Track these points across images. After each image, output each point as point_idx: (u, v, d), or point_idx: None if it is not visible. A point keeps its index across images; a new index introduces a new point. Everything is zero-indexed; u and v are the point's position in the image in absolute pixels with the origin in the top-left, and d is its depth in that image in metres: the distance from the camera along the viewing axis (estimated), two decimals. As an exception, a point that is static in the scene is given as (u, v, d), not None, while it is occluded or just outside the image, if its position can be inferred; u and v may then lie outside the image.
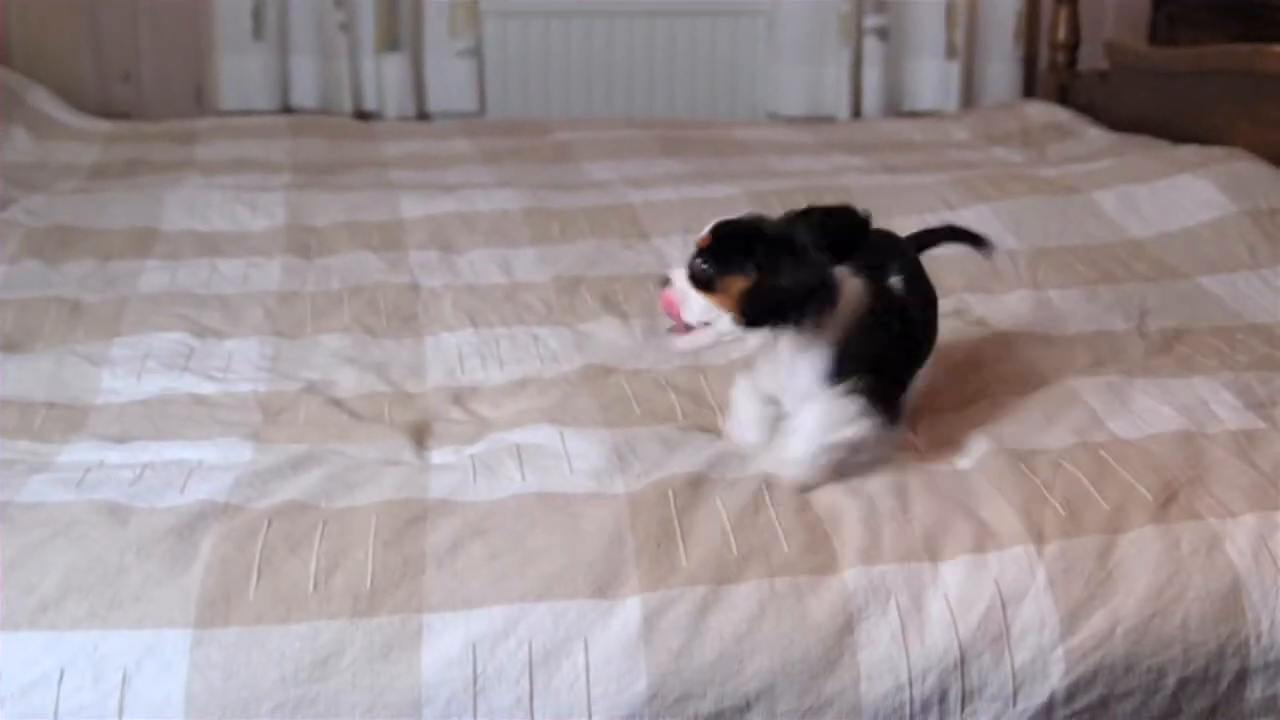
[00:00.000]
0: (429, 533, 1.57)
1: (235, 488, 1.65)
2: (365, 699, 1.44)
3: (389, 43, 4.07)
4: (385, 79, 4.08)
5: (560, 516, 1.60)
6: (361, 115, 4.07)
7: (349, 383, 2.03)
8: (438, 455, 1.81)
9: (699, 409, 1.92)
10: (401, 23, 4.07)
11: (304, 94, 4.10)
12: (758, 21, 4.29)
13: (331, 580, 1.50)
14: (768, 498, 1.64)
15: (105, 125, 3.68)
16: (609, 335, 2.19)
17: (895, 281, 1.80)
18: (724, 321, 1.66)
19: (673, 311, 1.69)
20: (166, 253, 2.56)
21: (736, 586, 1.53)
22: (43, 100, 3.65)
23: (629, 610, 1.50)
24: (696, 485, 1.66)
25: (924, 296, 1.85)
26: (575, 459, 1.73)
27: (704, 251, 1.66)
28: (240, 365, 2.08)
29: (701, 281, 1.66)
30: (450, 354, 2.13)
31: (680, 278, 1.68)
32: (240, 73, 4.07)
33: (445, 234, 2.65)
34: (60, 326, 2.21)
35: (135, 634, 1.45)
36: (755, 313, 1.66)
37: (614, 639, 1.48)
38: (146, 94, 4.16)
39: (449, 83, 4.16)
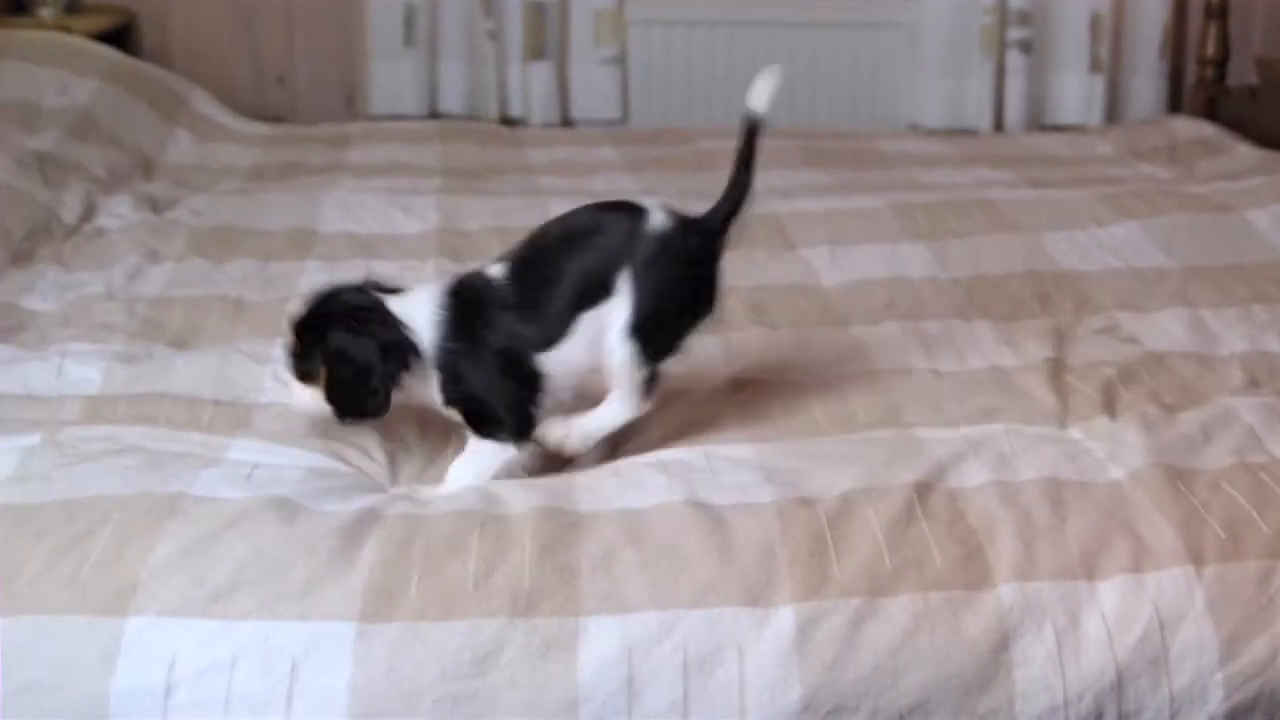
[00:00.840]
0: (583, 540, 1.59)
1: (394, 497, 1.69)
2: (523, 697, 1.47)
3: (536, 51, 4.12)
4: (531, 86, 4.13)
5: (711, 526, 1.61)
6: (506, 121, 4.12)
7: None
8: (582, 468, 1.83)
9: (843, 421, 1.93)
10: (549, 31, 4.12)
11: (451, 100, 4.17)
12: (900, 33, 4.27)
13: (490, 580, 1.53)
14: (919, 509, 1.65)
15: (263, 128, 3.76)
16: (758, 346, 2.20)
17: (495, 271, 1.82)
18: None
19: None
20: (324, 254, 2.61)
21: (891, 599, 1.53)
22: (203, 103, 3.74)
23: (782, 619, 1.51)
24: (844, 497, 1.66)
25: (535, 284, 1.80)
26: (721, 472, 1.74)
27: (292, 355, 1.81)
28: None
29: (304, 376, 1.81)
30: (601, 361, 2.15)
31: (290, 379, 1.83)
32: (391, 78, 4.14)
33: (593, 241, 2.67)
34: (225, 324, 2.28)
35: (303, 626, 1.49)
36: (343, 407, 1.80)
37: (768, 647, 1.50)
38: (299, 98, 4.25)
39: (593, 90, 4.20)
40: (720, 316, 1.88)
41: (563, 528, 1.61)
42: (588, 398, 1.83)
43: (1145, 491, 1.69)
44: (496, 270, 1.81)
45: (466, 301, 1.79)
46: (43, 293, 2.40)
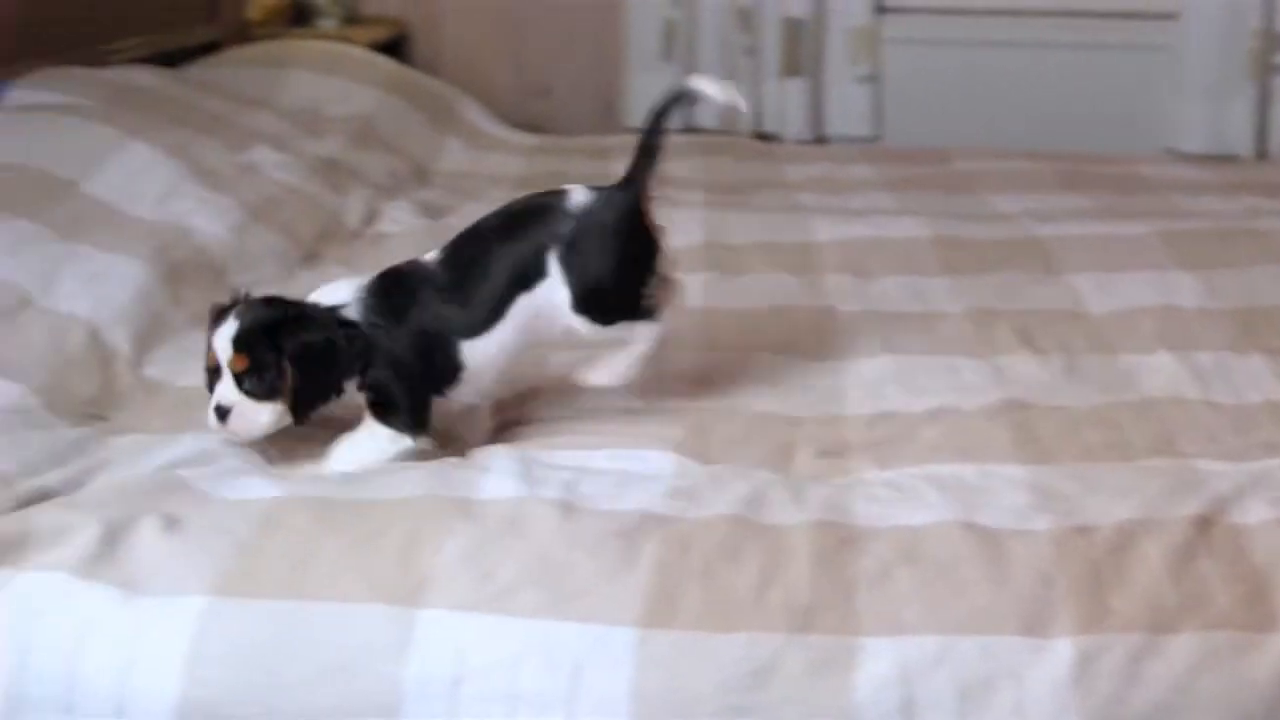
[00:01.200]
0: (859, 556, 1.60)
1: (669, 498, 1.71)
2: (798, 713, 1.48)
3: (791, 67, 4.14)
4: (786, 102, 4.15)
5: (986, 549, 1.60)
6: (760, 136, 4.15)
7: (771, 403, 2.07)
8: (857, 480, 1.83)
9: (1117, 448, 1.90)
10: (804, 48, 4.14)
11: (706, 114, 4.20)
12: (1160, 56, 4.17)
13: (768, 594, 1.54)
14: (1200, 544, 1.61)
15: (529, 138, 3.86)
16: (1026, 370, 2.18)
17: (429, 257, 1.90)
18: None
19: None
20: (595, 264, 2.67)
21: (1173, 637, 1.50)
22: (473, 112, 3.86)
23: (1060, 651, 1.50)
24: (1121, 527, 1.64)
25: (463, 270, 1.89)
26: (995, 494, 1.74)
27: (243, 374, 1.77)
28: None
29: (263, 395, 1.78)
30: (869, 380, 2.15)
31: (239, 402, 1.78)
32: (649, 91, 4.17)
33: (857, 259, 2.68)
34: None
35: (585, 627, 1.52)
36: (311, 399, 1.81)
37: (1045, 679, 1.48)
38: (559, 109, 4.34)
39: (847, 108, 4.20)
40: (668, 266, 2.00)
41: (837, 542, 1.62)
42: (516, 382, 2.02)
43: None
44: (430, 256, 1.91)
45: (391, 284, 1.86)
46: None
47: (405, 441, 1.85)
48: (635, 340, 1.95)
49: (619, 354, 1.95)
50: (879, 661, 1.50)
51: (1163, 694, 1.47)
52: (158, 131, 2.70)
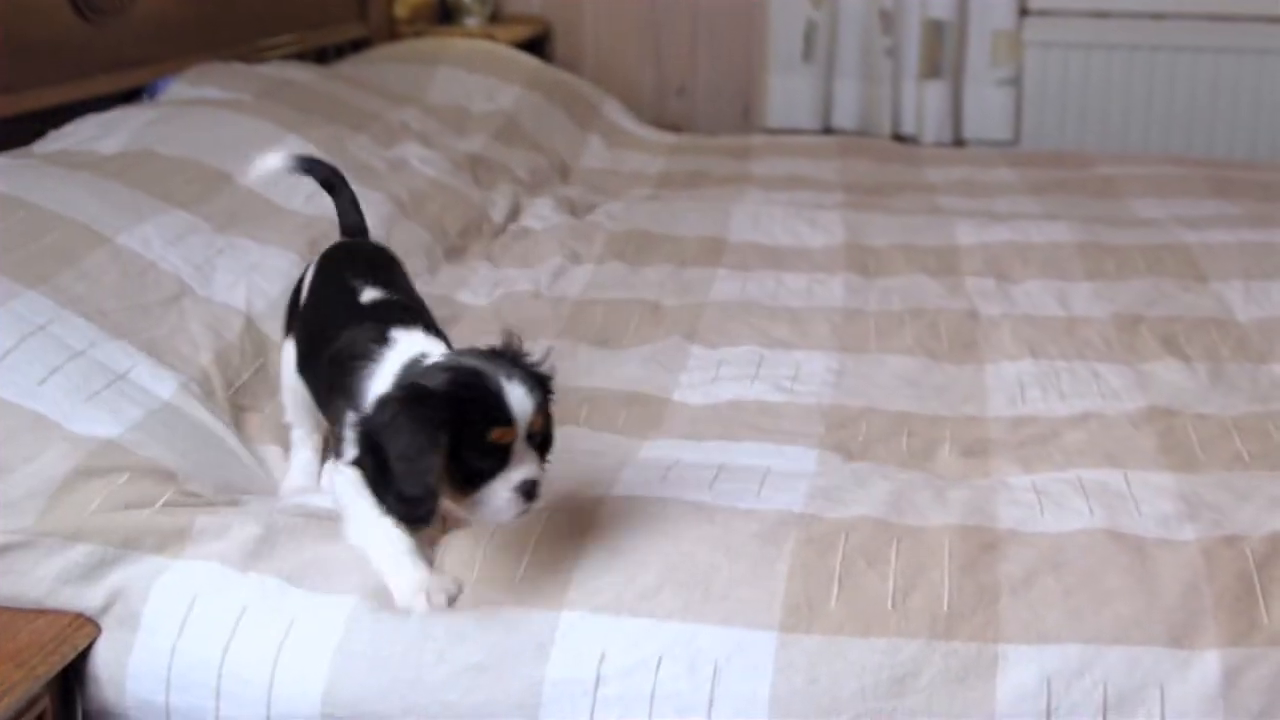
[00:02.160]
0: (1001, 561, 1.58)
1: (810, 498, 1.70)
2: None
3: (931, 69, 4.12)
4: (925, 104, 4.14)
5: (1132, 559, 1.58)
6: (898, 138, 4.14)
7: (910, 403, 2.07)
8: (1000, 483, 1.82)
9: (1267, 457, 1.87)
10: (945, 50, 4.12)
11: (845, 116, 4.21)
12: (1308, 59, 4.10)
13: (909, 599, 1.54)
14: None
15: (669, 137, 3.89)
16: (1172, 377, 2.15)
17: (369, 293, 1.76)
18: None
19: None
20: (735, 263, 2.67)
21: (1325, 652, 1.48)
22: (614, 111, 3.90)
23: (1207, 664, 1.48)
24: (1273, 539, 1.61)
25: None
26: (1141, 501, 1.71)
27: (540, 434, 1.54)
28: (806, 378, 2.15)
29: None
30: (1011, 383, 2.14)
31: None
32: (787, 92, 4.21)
33: (1000, 263, 2.66)
34: (643, 327, 2.35)
35: (726, 630, 1.52)
36: None
37: (1191, 691, 1.47)
38: (697, 108, 4.37)
39: (986, 110, 4.18)
40: None
41: (980, 547, 1.60)
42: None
43: None
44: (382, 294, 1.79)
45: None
46: (474, 287, 2.54)
47: None
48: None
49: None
50: (1021, 669, 1.49)
51: (1314, 711, 1.45)
52: (311, 126, 2.75)
